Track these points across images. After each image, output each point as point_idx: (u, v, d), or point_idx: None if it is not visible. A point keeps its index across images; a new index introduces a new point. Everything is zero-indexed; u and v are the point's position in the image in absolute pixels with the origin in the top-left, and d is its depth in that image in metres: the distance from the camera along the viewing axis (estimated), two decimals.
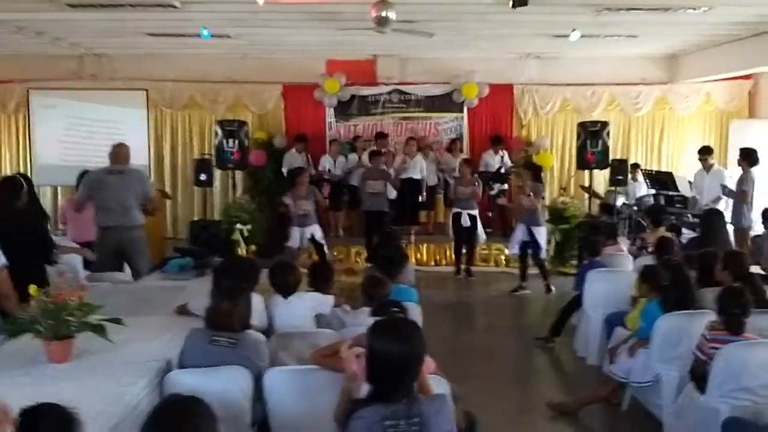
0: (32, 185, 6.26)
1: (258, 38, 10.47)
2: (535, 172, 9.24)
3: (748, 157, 8.76)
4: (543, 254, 9.11)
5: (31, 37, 10.05)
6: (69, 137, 12.33)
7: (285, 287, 4.52)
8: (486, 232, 10.24)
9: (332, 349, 3.47)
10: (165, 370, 3.52)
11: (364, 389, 2.86)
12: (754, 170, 8.72)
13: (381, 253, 5.67)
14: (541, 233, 8.92)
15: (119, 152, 6.89)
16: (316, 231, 8.98)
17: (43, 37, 10.15)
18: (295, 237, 8.58)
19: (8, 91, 12.52)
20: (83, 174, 7.55)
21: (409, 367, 2.65)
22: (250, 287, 4.10)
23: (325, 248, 9.24)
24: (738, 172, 8.94)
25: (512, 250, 9.39)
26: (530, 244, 8.90)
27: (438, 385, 3.14)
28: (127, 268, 6.76)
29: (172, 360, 3.64)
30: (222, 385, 3.35)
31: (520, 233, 8.94)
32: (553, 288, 8.90)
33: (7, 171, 12.37)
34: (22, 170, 12.40)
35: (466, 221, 9.58)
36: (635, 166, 11.60)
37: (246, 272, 4.38)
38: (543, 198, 9.24)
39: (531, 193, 8.78)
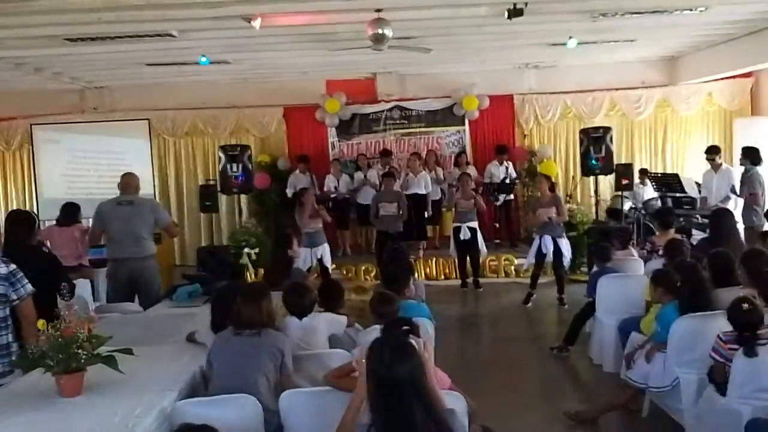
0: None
1: (256, 62, 10.53)
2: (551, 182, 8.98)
3: (750, 156, 8.70)
4: (567, 263, 8.93)
5: (31, 74, 10.13)
6: (73, 170, 12.44)
7: (300, 308, 4.47)
8: (494, 243, 10.13)
9: (344, 370, 3.44)
10: (186, 389, 3.59)
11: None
12: (760, 169, 8.68)
13: (387, 270, 5.62)
14: (566, 243, 8.71)
15: (128, 182, 6.82)
16: (325, 252, 8.96)
17: (43, 72, 10.24)
18: (306, 257, 8.57)
19: (12, 127, 12.66)
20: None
21: (401, 391, 2.43)
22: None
23: (329, 272, 9.18)
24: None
25: (530, 260, 8.98)
26: (557, 255, 8.61)
27: (454, 400, 3.09)
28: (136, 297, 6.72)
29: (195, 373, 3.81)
30: (233, 413, 3.33)
31: (547, 244, 8.58)
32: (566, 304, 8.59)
33: (14, 207, 12.42)
34: (27, 205, 12.48)
35: (465, 234, 9.51)
36: (643, 171, 11.54)
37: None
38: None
39: (555, 207, 8.58)
